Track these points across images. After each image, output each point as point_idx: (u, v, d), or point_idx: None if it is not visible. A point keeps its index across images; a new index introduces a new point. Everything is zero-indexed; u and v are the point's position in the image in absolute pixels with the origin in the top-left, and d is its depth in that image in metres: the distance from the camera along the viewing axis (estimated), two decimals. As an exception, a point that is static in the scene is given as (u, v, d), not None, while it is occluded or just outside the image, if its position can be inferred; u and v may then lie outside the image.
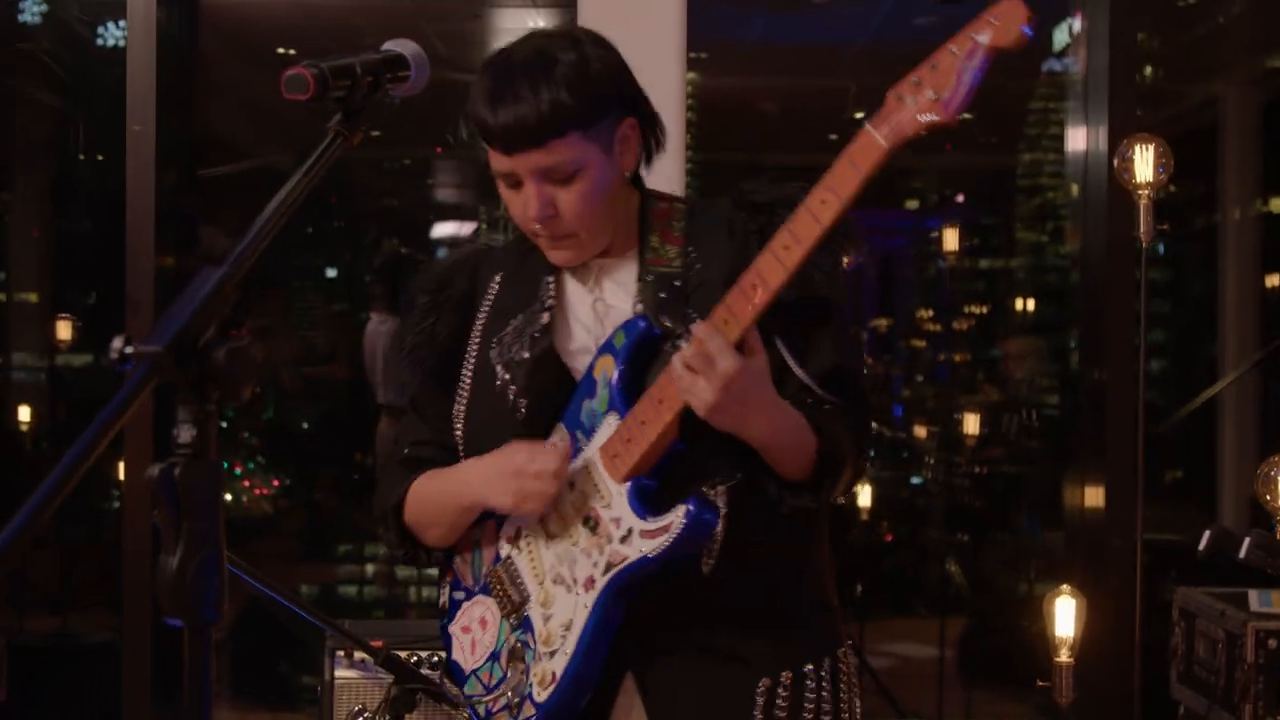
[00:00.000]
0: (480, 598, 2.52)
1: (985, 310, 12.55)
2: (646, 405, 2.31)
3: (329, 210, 10.36)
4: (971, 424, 8.48)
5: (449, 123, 9.70)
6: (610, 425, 2.37)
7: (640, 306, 2.43)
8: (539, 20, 8.33)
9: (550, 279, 2.52)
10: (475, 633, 2.51)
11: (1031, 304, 11.15)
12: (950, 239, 11.41)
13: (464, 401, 2.54)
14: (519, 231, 2.53)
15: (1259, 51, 8.87)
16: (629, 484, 2.35)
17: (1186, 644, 4.45)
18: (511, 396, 2.46)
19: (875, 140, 2.16)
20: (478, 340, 2.54)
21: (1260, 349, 8.31)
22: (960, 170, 12.33)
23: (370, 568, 8.23)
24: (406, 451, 2.61)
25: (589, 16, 4.19)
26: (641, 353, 2.38)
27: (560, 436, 2.44)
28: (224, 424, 8.35)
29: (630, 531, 2.33)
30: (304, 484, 9.14)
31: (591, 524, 2.37)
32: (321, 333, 10.51)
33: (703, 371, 2.20)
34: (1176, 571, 5.97)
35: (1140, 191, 4.02)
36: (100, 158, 7.90)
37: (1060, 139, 9.80)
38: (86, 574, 7.27)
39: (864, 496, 8.16)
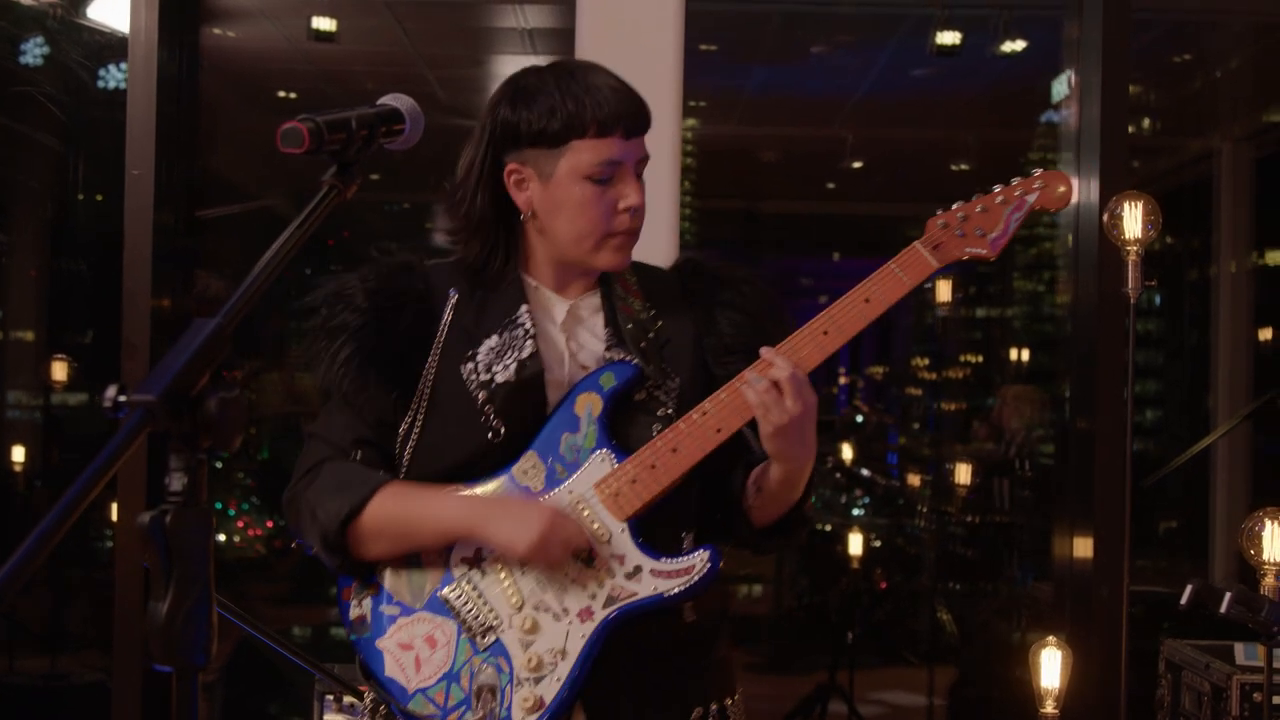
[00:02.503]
0: (425, 615, 2.49)
1: (981, 359, 12.57)
2: (659, 451, 2.46)
3: (326, 252, 10.38)
4: (963, 474, 8.49)
5: (449, 166, 9.74)
6: (602, 463, 2.48)
7: (618, 351, 2.55)
8: (538, 67, 8.36)
9: (526, 307, 2.55)
10: (420, 650, 2.48)
11: (1026, 354, 11.17)
12: (944, 290, 11.43)
13: (419, 414, 2.52)
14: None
15: (1255, 107, 8.92)
16: (628, 522, 2.46)
17: (1173, 696, 4.46)
18: (489, 416, 2.48)
19: (926, 259, 2.52)
20: (438, 353, 2.53)
21: (1252, 401, 8.33)
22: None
23: (362, 610, 8.21)
24: (360, 451, 2.56)
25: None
26: (623, 395, 2.51)
27: (532, 464, 2.50)
28: (218, 464, 8.36)
29: (639, 569, 2.44)
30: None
31: (585, 556, 2.45)
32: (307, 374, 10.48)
33: (793, 394, 2.40)
34: (1168, 623, 5.98)
35: (1129, 247, 4.05)
36: (99, 198, 7.92)
37: (1055, 190, 9.83)
38: (77, 615, 7.26)
39: (855, 544, 8.18)
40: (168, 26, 4.92)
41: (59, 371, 7.51)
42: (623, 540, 2.46)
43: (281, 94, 9.13)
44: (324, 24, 7.27)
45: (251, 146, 9.43)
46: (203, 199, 5.52)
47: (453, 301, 2.58)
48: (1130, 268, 4.02)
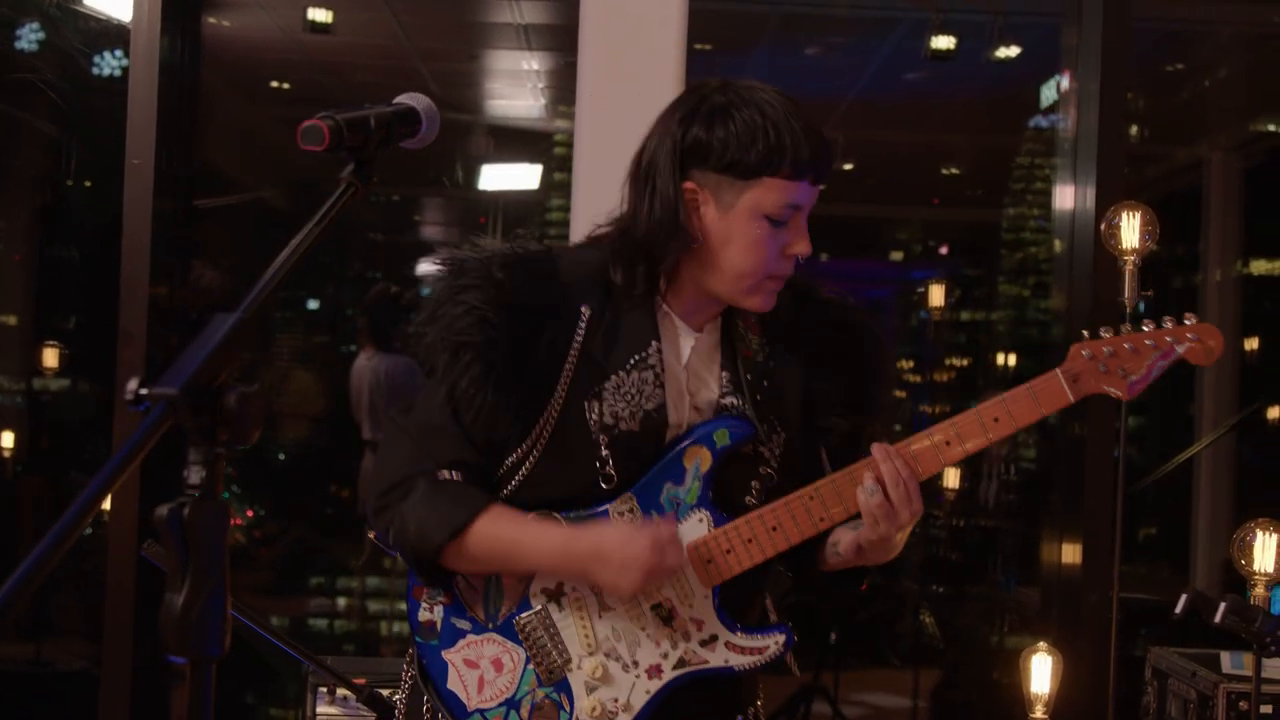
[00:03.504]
0: (495, 637, 2.48)
1: (966, 363, 12.58)
2: (758, 527, 2.44)
3: (316, 245, 10.37)
4: (951, 478, 8.51)
5: (442, 161, 9.75)
6: (698, 523, 2.46)
7: (733, 399, 2.50)
8: (533, 63, 8.38)
9: (657, 343, 2.47)
10: (485, 671, 2.47)
11: (1013, 359, 11.18)
12: (936, 294, 11.44)
13: (540, 443, 2.45)
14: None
15: (1244, 117, 8.95)
16: (714, 590, 2.46)
17: (1159, 703, 4.48)
18: (607, 465, 2.44)
19: (1064, 391, 2.47)
20: (566, 381, 2.43)
21: (1237, 410, 8.36)
22: (945, 222, 12.39)
23: (342, 601, 8.23)
24: (454, 474, 2.46)
25: (588, 61, 4.22)
26: (735, 452, 2.48)
27: (629, 507, 2.46)
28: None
29: (715, 638, 2.45)
30: (279, 516, 9.12)
31: (665, 614, 2.45)
32: (302, 364, 10.49)
33: (901, 506, 2.39)
34: (1148, 630, 6.01)
35: (1126, 257, 4.08)
36: (88, 184, 7.91)
37: (1045, 194, 9.87)
38: (62, 602, 7.25)
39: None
40: (170, 15, 4.91)
41: (50, 358, 7.50)
42: (705, 606, 2.45)
43: (275, 84, 9.13)
44: (320, 15, 7.28)
45: (244, 136, 9.42)
46: (196, 188, 5.52)
47: (584, 320, 2.46)
48: (1127, 277, 4.05)
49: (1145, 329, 2.50)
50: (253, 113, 9.42)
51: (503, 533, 2.42)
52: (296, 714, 4.11)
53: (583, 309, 2.46)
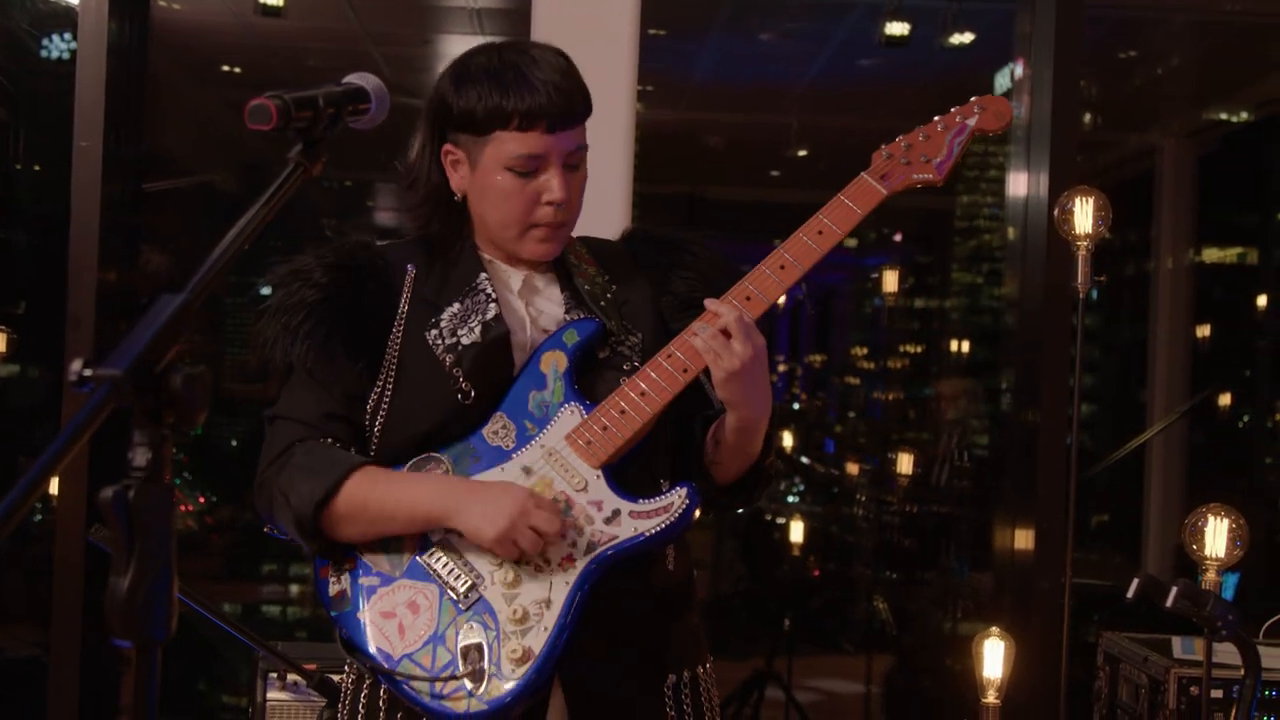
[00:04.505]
0: (405, 582, 2.47)
1: (919, 350, 12.63)
2: (627, 397, 2.48)
3: (265, 227, 10.31)
4: (905, 464, 8.54)
5: (395, 145, 9.70)
6: (571, 414, 2.50)
7: (576, 313, 2.58)
8: (486, 47, 8.33)
9: (485, 275, 2.58)
10: (403, 617, 2.46)
11: (966, 345, 11.23)
12: (890, 280, 11.48)
13: (388, 383, 2.52)
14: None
15: (1196, 104, 9.00)
16: (603, 469, 2.48)
17: (1110, 688, 4.50)
18: (458, 380, 2.49)
19: (874, 187, 2.58)
20: (401, 323, 2.54)
21: (1189, 397, 8.41)
22: (898, 209, 12.42)
23: (295, 588, 8.20)
24: (329, 424, 2.53)
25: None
26: (588, 352, 2.54)
27: (502, 424, 2.51)
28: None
29: (617, 513, 2.45)
30: (230, 502, 9.08)
31: (562, 506, 2.45)
32: (253, 350, 10.41)
33: (740, 338, 2.41)
34: (1100, 615, 6.03)
35: (1079, 243, 4.08)
36: (36, 168, 7.85)
37: (998, 182, 9.91)
38: (10, 588, 7.20)
39: (796, 532, 8.21)
40: (118, -2, 4.87)
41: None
42: (599, 486, 2.47)
43: (226, 68, 9.07)
44: (271, -2, 7.21)
45: (194, 120, 9.35)
46: (144, 172, 5.48)
47: (411, 275, 2.59)
48: (1080, 262, 4.06)
49: (935, 118, 2.63)
50: (203, 96, 9.35)
51: (374, 489, 2.45)
52: (248, 700, 4.09)
53: (409, 267, 2.60)
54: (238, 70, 9.02)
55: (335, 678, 3.45)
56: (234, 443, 9.63)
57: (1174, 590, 2.70)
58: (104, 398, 1.48)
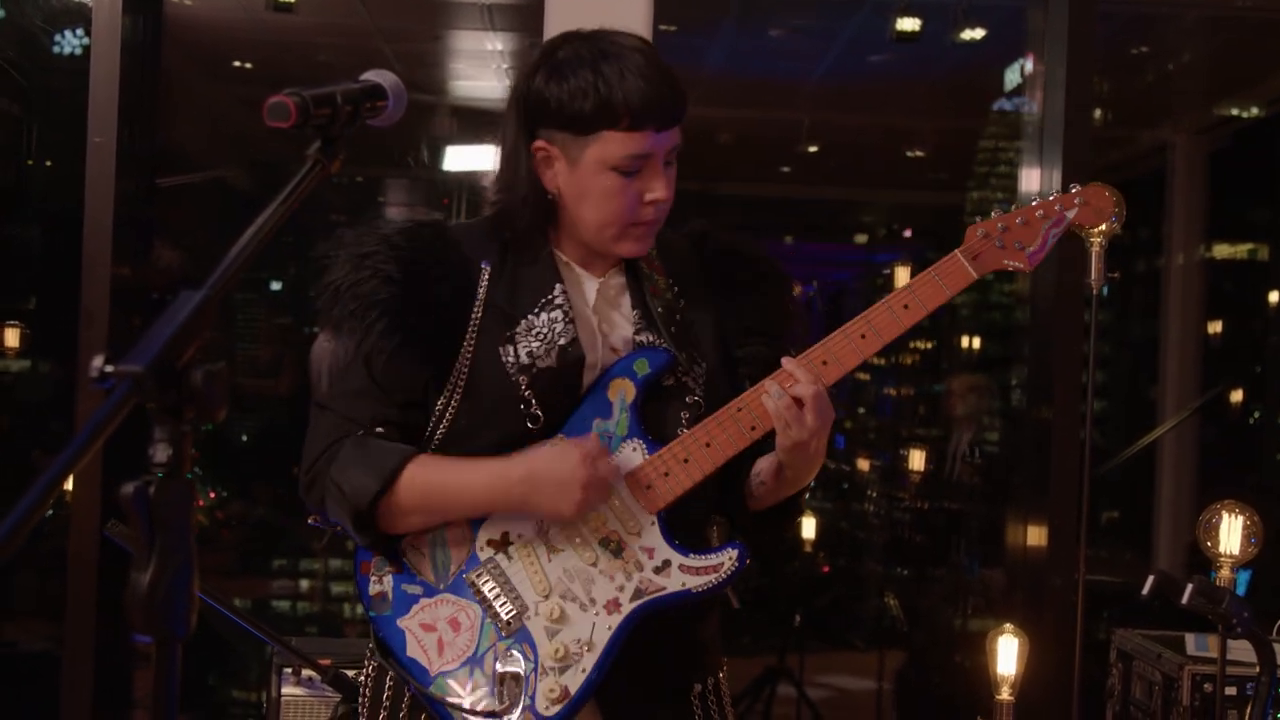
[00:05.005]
0: (449, 597, 2.46)
1: (930, 346, 12.61)
2: (692, 446, 2.46)
3: (282, 224, 10.31)
4: (917, 460, 8.52)
5: (406, 141, 9.70)
6: (634, 451, 2.47)
7: (648, 335, 2.52)
8: (497, 43, 8.35)
9: (561, 286, 2.51)
10: (443, 633, 2.45)
11: (977, 341, 11.22)
12: (902, 276, 11.44)
13: (455, 396, 2.46)
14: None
15: (1208, 100, 8.98)
16: (659, 515, 2.46)
17: (1124, 685, 4.50)
18: (530, 404, 2.44)
19: (965, 269, 2.54)
20: (474, 329, 2.47)
21: (1200, 393, 8.39)
22: (909, 206, 12.42)
23: (305, 583, 8.20)
24: (379, 430, 2.47)
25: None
26: (656, 382, 2.50)
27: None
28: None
29: (667, 564, 2.43)
30: (241, 497, 9.09)
31: (614, 547, 2.44)
32: (265, 346, 10.44)
33: (814, 411, 2.40)
34: (1109, 612, 6.03)
35: (1093, 239, 4.07)
36: (49, 163, 7.86)
37: (1008, 178, 9.87)
38: (22, 582, 7.21)
39: (807, 528, 8.20)
40: (132, -8, 4.87)
41: (10, 338, 7.45)
42: (652, 533, 2.44)
43: (237, 64, 9.06)
44: (284, -7, 7.21)
45: (206, 116, 9.35)
46: (157, 168, 5.48)
47: (486, 274, 2.51)
48: (1093, 259, 4.04)
49: (1033, 203, 2.60)
50: (215, 92, 9.35)
51: (433, 476, 2.42)
52: (260, 695, 4.10)
53: (483, 265, 2.52)
54: (249, 66, 9.02)
55: (350, 673, 3.45)
56: (244, 438, 9.63)
57: (1189, 587, 2.70)
58: (125, 394, 1.48)
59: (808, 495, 2.67)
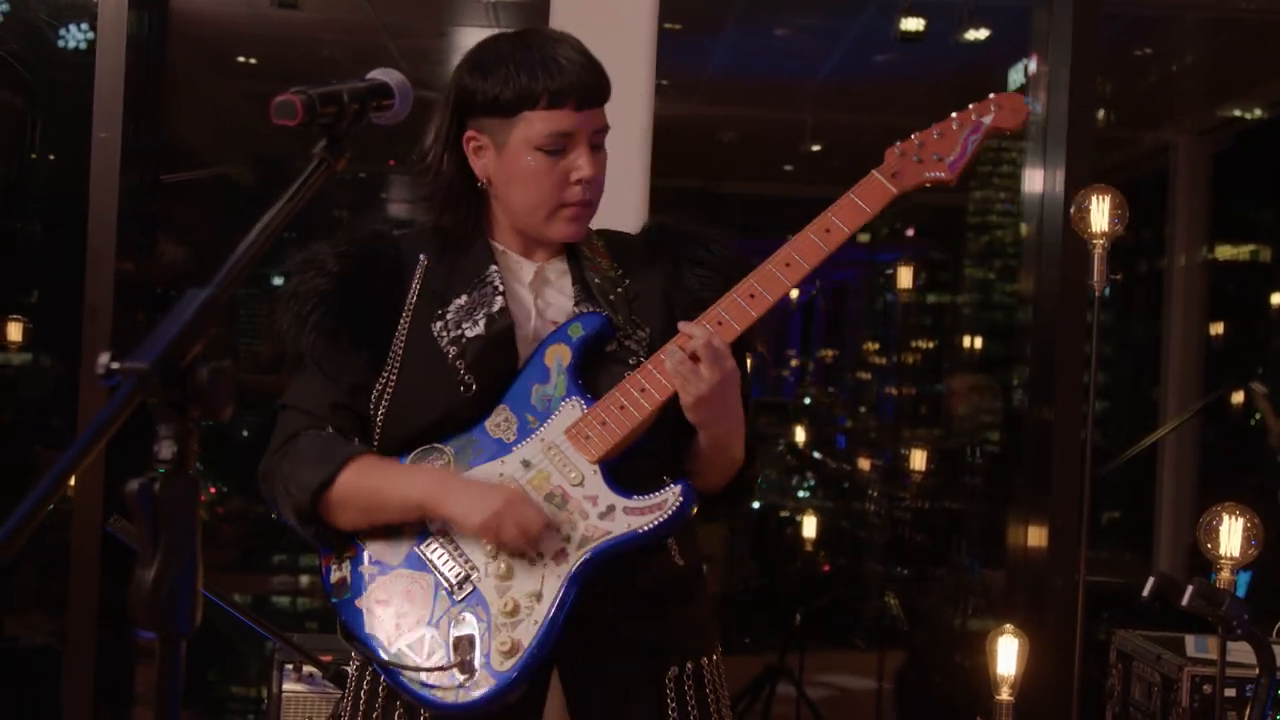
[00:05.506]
0: (403, 571, 2.50)
1: (932, 345, 12.61)
2: (627, 393, 2.48)
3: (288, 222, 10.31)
4: (918, 459, 8.52)
5: (408, 137, 9.70)
6: (572, 409, 2.51)
7: (586, 306, 2.58)
8: (502, 40, 8.33)
9: (495, 267, 2.58)
10: (398, 605, 2.49)
11: (979, 341, 11.23)
12: (905, 276, 11.46)
13: (394, 372, 2.54)
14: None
15: (1210, 101, 8.97)
16: (600, 465, 2.48)
17: (1123, 686, 4.50)
18: (460, 372, 2.50)
19: (885, 185, 2.55)
20: (409, 314, 2.56)
21: (1202, 394, 8.39)
22: (911, 205, 12.41)
23: (305, 579, 8.21)
24: (335, 410, 2.57)
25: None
26: (593, 346, 2.54)
27: (504, 417, 2.53)
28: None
29: (612, 508, 2.45)
30: (242, 492, 9.09)
31: (558, 500, 2.47)
32: (267, 342, 10.44)
33: (708, 364, 2.41)
34: (1109, 613, 6.03)
35: (1095, 241, 4.08)
36: (52, 158, 7.85)
37: (1011, 178, 9.89)
38: (24, 576, 7.21)
39: (808, 527, 8.20)
40: (137, -12, 4.88)
41: (13, 332, 7.45)
42: (595, 482, 2.47)
43: (242, 59, 9.06)
44: (287, -11, 7.20)
45: (210, 111, 9.35)
46: (162, 163, 5.49)
47: (422, 266, 2.60)
48: (1096, 261, 4.05)
49: (952, 115, 2.60)
50: (219, 87, 9.35)
51: (369, 479, 2.49)
52: (260, 691, 4.10)
53: (421, 256, 2.61)
54: (254, 61, 9.02)
55: (350, 669, 3.45)
56: (245, 433, 9.62)
57: (1189, 589, 2.70)
58: (130, 391, 1.49)
59: (756, 467, 2.67)
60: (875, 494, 9.39)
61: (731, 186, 11.58)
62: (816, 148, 10.63)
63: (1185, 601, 2.71)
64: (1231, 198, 8.93)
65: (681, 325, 2.47)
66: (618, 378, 2.52)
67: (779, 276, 2.50)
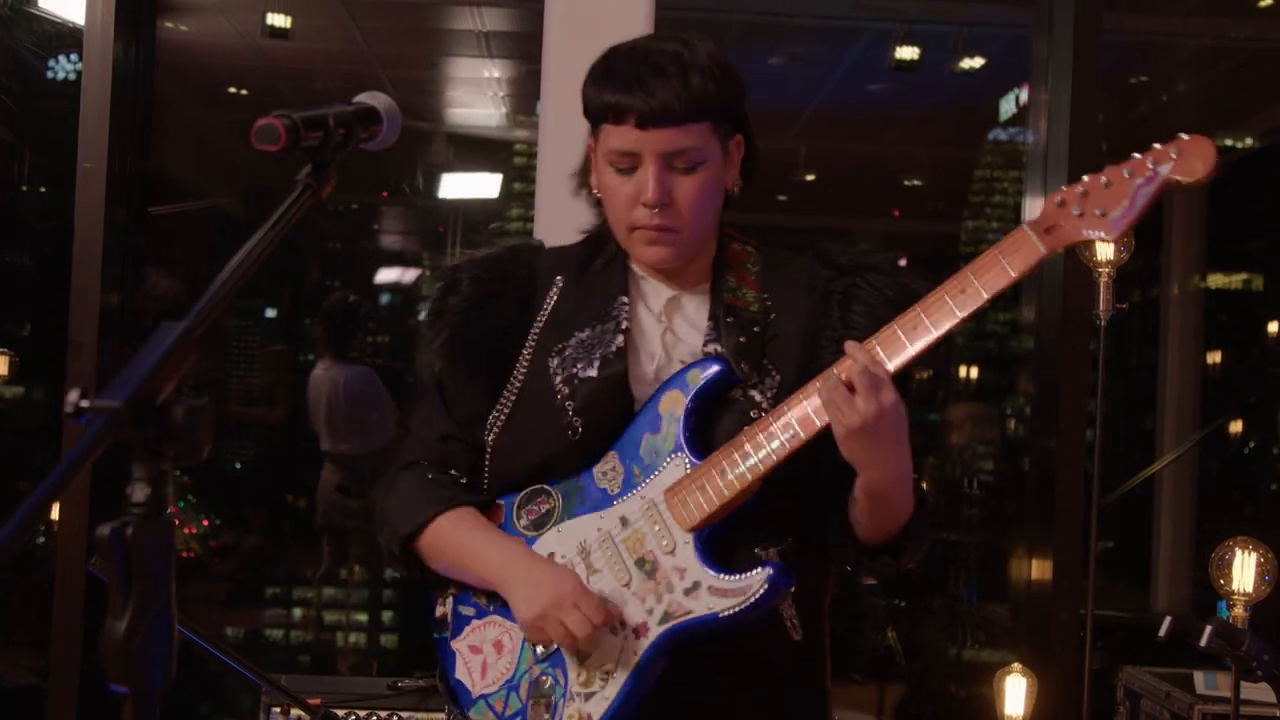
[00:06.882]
0: (496, 619, 2.41)
1: (926, 375, 12.58)
2: (731, 457, 2.25)
3: (273, 254, 10.30)
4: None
5: (402, 169, 9.67)
6: (677, 466, 2.30)
7: (716, 346, 2.36)
8: (494, 70, 8.32)
9: (625, 299, 2.42)
10: (487, 655, 2.40)
11: (974, 371, 11.20)
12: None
13: (508, 406, 2.42)
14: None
15: (1204, 131, 8.95)
16: (695, 534, 2.28)
17: (1131, 723, 4.44)
18: (569, 414, 2.35)
19: (1033, 244, 2.17)
20: (533, 344, 2.43)
21: (1200, 423, 8.37)
22: (905, 234, 12.39)
23: (298, 612, 8.14)
24: (447, 444, 2.46)
25: (553, 68, 4.16)
26: (712, 395, 2.32)
27: (611, 465, 2.36)
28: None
29: (697, 585, 2.26)
30: (234, 525, 9.05)
31: (648, 567, 2.30)
32: (259, 373, 10.42)
33: (864, 392, 2.13)
34: (1103, 643, 5.97)
35: (1100, 269, 4.02)
36: (43, 190, 7.82)
37: (1004, 208, 9.86)
38: (11, 615, 7.15)
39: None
40: (123, 20, 4.86)
41: (1, 365, 7.40)
42: (686, 552, 2.28)
43: (233, 90, 9.04)
44: (279, 21, 7.20)
45: (201, 143, 9.33)
46: (150, 195, 5.44)
47: (556, 289, 2.47)
48: (1101, 289, 4.00)
49: (1120, 163, 2.19)
50: (211, 119, 9.33)
51: (452, 538, 2.40)
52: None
53: (558, 279, 2.48)
54: (245, 93, 9.00)
55: (340, 712, 3.38)
56: (238, 465, 9.59)
57: (1208, 630, 2.62)
58: (101, 430, 1.41)
59: (918, 524, 2.32)
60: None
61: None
62: (810, 177, 10.60)
63: (1204, 643, 2.63)
64: (1224, 226, 8.93)
65: (848, 346, 2.19)
66: (734, 431, 2.28)
67: (900, 337, 2.20)
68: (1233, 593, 3.70)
